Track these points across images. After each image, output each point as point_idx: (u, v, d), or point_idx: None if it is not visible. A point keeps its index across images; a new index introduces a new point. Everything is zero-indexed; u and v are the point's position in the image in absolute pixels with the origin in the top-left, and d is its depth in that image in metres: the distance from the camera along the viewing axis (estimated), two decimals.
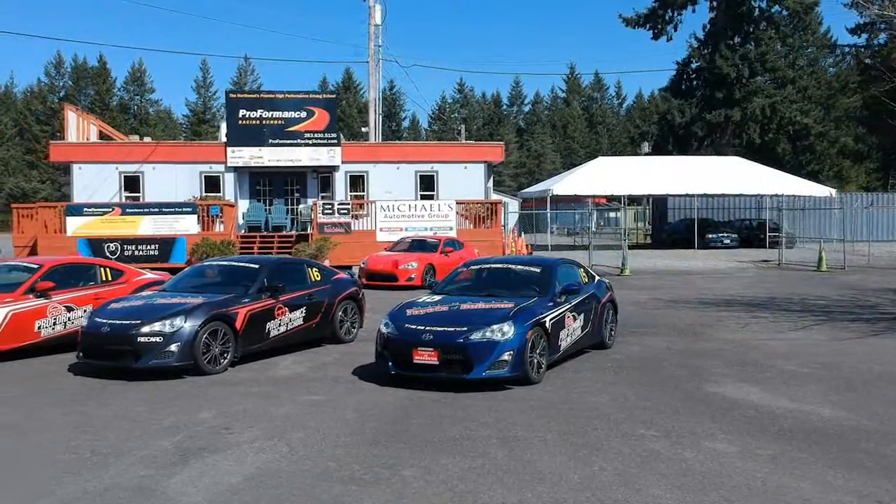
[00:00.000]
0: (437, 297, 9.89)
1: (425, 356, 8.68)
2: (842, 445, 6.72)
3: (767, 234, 36.84)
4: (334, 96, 29.23)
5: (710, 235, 36.79)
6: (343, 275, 12.67)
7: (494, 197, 31.61)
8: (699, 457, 6.42)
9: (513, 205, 37.27)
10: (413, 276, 20.42)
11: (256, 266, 11.18)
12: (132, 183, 28.51)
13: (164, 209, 25.55)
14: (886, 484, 5.78)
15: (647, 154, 61.04)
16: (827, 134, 59.04)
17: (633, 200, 59.45)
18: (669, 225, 42.14)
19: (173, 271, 14.38)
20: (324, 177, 29.60)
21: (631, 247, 35.24)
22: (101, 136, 32.77)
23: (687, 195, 37.45)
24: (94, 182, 27.94)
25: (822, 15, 66.20)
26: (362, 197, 28.89)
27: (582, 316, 10.28)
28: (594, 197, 41.85)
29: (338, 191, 29.23)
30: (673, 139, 58.30)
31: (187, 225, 25.42)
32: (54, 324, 11.29)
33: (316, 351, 11.56)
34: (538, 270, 10.30)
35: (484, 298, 9.55)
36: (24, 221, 26.59)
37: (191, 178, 28.46)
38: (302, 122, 28.51)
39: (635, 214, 67.85)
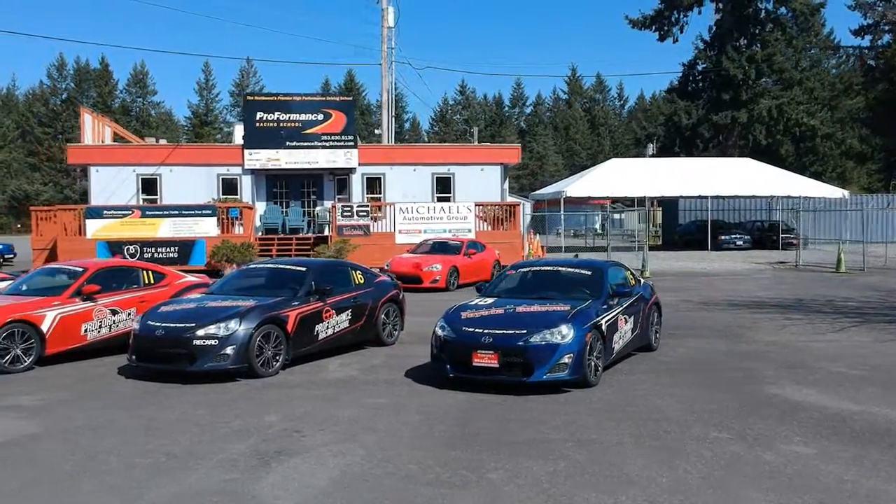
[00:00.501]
0: (489, 300, 9.89)
1: (485, 359, 8.68)
2: None
3: (780, 235, 36.90)
4: (351, 98, 29.24)
5: (722, 237, 36.81)
6: (384, 277, 12.69)
7: (510, 199, 31.61)
8: (780, 459, 6.42)
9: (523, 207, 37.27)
10: (437, 278, 20.42)
11: (303, 269, 11.18)
12: (149, 185, 28.51)
13: (183, 211, 25.54)
14: None
15: (652, 156, 61.12)
16: (834, 135, 59.10)
17: (637, 202, 59.51)
18: (681, 226, 42.17)
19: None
20: (340, 179, 29.59)
21: (640, 248, 35.30)
22: (115, 137, 32.78)
23: (700, 197, 37.50)
24: (111, 184, 27.92)
25: (825, 16, 66.48)
26: (379, 199, 28.89)
27: (632, 318, 10.29)
28: (609, 199, 41.83)
29: (355, 193, 29.23)
30: (680, 140, 58.39)
31: (207, 227, 25.42)
32: (100, 327, 11.29)
33: (361, 353, 11.56)
34: (589, 273, 10.31)
35: (537, 301, 9.55)
36: (42, 224, 26.58)
37: (208, 181, 28.46)
38: (319, 124, 28.51)
39: (639, 216, 67.91)
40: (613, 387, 9.07)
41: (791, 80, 55.10)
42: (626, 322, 10.08)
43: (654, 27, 57.71)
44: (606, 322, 9.37)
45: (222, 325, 9.56)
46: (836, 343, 12.20)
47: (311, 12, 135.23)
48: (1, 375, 10.07)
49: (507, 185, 30.88)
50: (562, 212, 35.03)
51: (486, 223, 27.33)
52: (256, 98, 28.92)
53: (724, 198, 39.30)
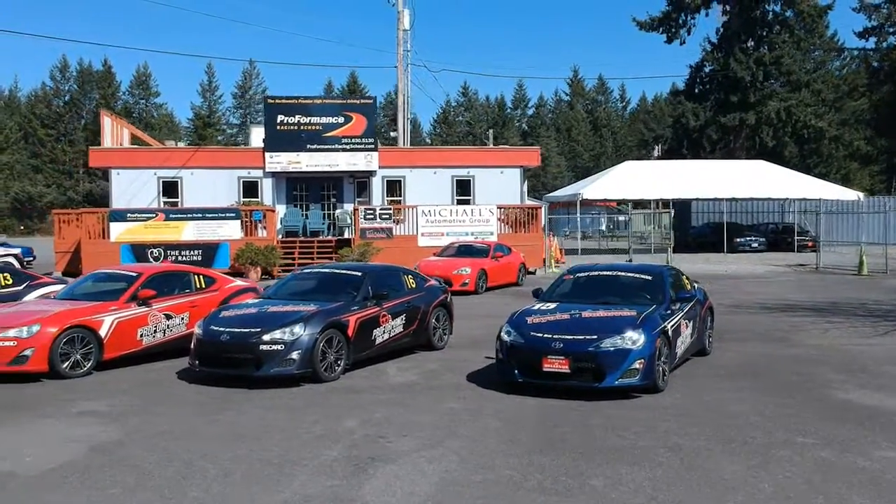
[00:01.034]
0: (551, 305, 9.92)
1: (556, 364, 8.72)
2: None
3: (795, 237, 36.98)
4: (372, 101, 29.22)
5: (737, 239, 36.84)
6: (434, 282, 12.72)
7: (529, 202, 31.67)
8: (876, 465, 6.46)
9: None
10: (467, 281, 20.45)
11: (360, 274, 11.22)
12: (170, 188, 28.53)
13: (207, 214, 25.56)
14: None
15: (657, 158, 61.21)
16: (842, 137, 59.20)
17: (639, 204, 59.64)
18: (694, 228, 42.23)
19: None
20: (360, 181, 29.63)
21: (656, 250, 35.40)
22: (133, 140, 32.81)
23: (716, 199, 37.55)
24: (132, 187, 27.95)
25: (829, 18, 66.62)
26: (399, 202, 28.93)
27: (691, 323, 10.34)
28: (624, 201, 41.88)
29: (375, 196, 29.26)
30: (687, 142, 58.48)
31: (231, 230, 25.45)
32: (155, 332, 11.32)
33: (413, 358, 11.58)
34: (649, 277, 10.35)
35: (602, 306, 9.59)
36: (64, 227, 26.62)
37: (229, 184, 28.49)
38: (339, 127, 28.55)
39: (644, 218, 67.95)
40: (681, 391, 9.10)
41: (799, 82, 55.20)
42: (687, 327, 10.12)
43: (661, 29, 57.81)
44: (671, 327, 9.42)
45: (287, 329, 9.59)
46: (885, 346, 12.25)
47: (312, 12, 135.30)
48: (62, 380, 10.10)
49: (525, 188, 30.90)
50: (578, 214, 35.13)
51: (507, 226, 27.37)
52: (277, 101, 28.89)
53: (740, 200, 39.30)
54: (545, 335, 8.97)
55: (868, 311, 16.69)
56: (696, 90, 58.62)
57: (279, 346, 9.48)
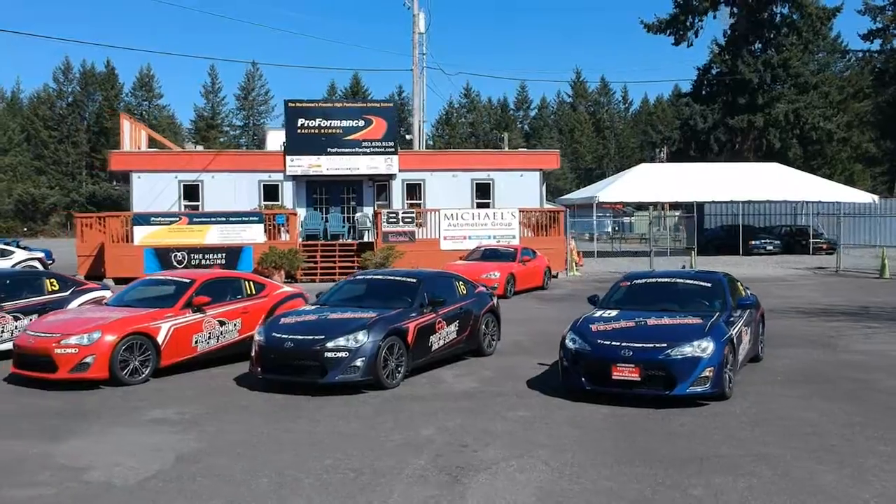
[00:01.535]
0: (612, 312, 9.94)
1: (625, 372, 8.74)
2: None
3: (811, 240, 37.04)
4: (392, 105, 29.26)
5: (752, 242, 36.92)
6: (482, 288, 12.74)
7: (548, 205, 31.71)
8: None
9: None
10: (496, 285, 20.44)
11: (415, 280, 11.25)
12: (191, 191, 28.55)
13: (230, 218, 25.59)
14: None
15: (662, 160, 61.31)
16: (851, 139, 59.27)
17: (641, 206, 59.78)
18: (708, 231, 42.28)
19: None
20: (379, 185, 29.66)
21: (672, 253, 35.44)
22: (150, 143, 32.83)
23: (732, 201, 37.60)
24: (153, 190, 27.97)
25: (834, 20, 66.63)
26: (419, 205, 28.96)
27: (749, 329, 10.37)
28: (641, 204, 41.97)
29: (395, 199, 29.31)
30: (695, 144, 58.56)
31: (254, 234, 25.48)
32: (209, 338, 11.34)
33: (466, 364, 11.60)
34: (708, 285, 10.39)
35: (667, 314, 9.62)
36: (86, 231, 26.63)
37: (249, 187, 28.53)
38: (360, 130, 28.59)
39: (650, 220, 67.98)
40: (748, 399, 9.13)
41: (807, 84, 55.29)
42: (746, 333, 10.15)
43: (668, 31, 57.95)
44: (735, 334, 9.45)
45: (351, 337, 9.61)
46: None
47: (316, 12, 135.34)
48: (122, 388, 10.12)
49: (544, 191, 30.95)
50: (594, 217, 35.20)
51: (527, 229, 27.41)
52: (298, 104, 28.91)
53: (752, 203, 39.37)
54: (613, 343, 8.99)
55: None
56: (704, 92, 58.72)
57: (343, 354, 9.51)
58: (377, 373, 9.65)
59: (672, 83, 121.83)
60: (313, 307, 10.99)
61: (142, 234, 25.08)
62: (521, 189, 29.34)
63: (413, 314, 10.49)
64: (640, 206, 60.42)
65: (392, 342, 9.90)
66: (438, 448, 7.41)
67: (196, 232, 25.26)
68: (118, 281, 22.62)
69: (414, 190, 29.61)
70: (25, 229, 79.26)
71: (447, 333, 11.12)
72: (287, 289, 12.92)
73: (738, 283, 11.23)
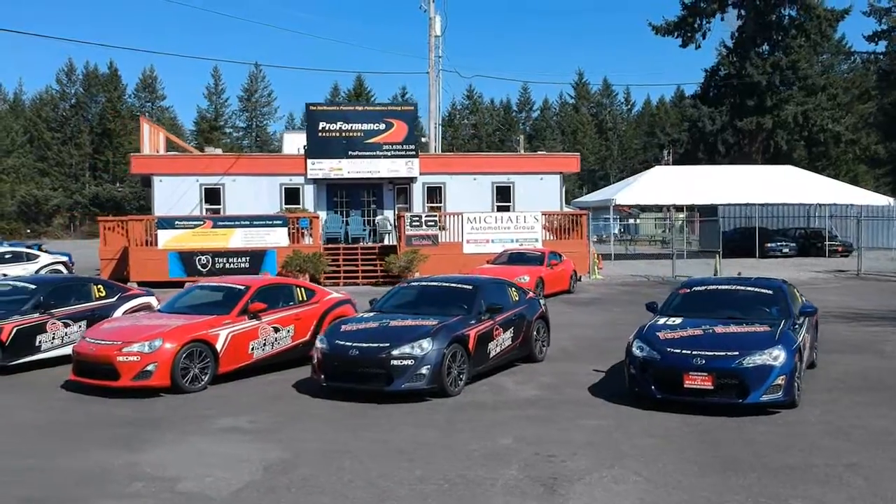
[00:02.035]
0: (677, 320, 9.93)
1: (698, 381, 8.75)
2: None
3: (827, 243, 37.06)
4: (413, 108, 29.25)
5: (768, 244, 36.94)
6: (532, 295, 12.74)
7: (567, 208, 31.71)
8: None
9: None
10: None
11: (471, 287, 11.25)
12: (212, 195, 28.53)
13: (255, 222, 25.58)
14: None
15: (667, 162, 61.30)
16: (859, 141, 59.35)
17: (644, 209, 59.85)
18: (723, 234, 42.24)
19: None
20: (399, 188, 29.66)
21: (688, 255, 35.48)
22: (168, 146, 32.83)
23: (748, 204, 37.61)
24: (174, 194, 27.94)
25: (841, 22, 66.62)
26: (439, 208, 28.95)
27: (809, 336, 10.38)
28: (659, 206, 42.01)
29: (415, 202, 29.30)
30: (703, 146, 58.61)
31: (278, 238, 25.46)
32: (264, 345, 11.34)
33: (522, 371, 11.59)
34: (770, 292, 10.40)
35: (733, 322, 9.62)
36: (108, 234, 26.60)
37: (270, 190, 28.53)
38: (381, 133, 28.59)
39: (655, 222, 68.02)
40: (817, 406, 9.14)
41: (815, 86, 55.34)
42: (807, 340, 10.16)
43: (676, 33, 58.06)
44: (801, 342, 9.46)
45: (416, 344, 9.61)
46: None
47: (318, 12, 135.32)
48: (183, 395, 10.11)
49: (564, 194, 30.96)
50: (611, 219, 35.20)
51: (549, 232, 27.40)
52: (319, 108, 28.92)
53: (768, 205, 39.41)
54: (684, 351, 8.99)
55: None
56: (711, 94, 58.78)
57: (409, 361, 9.50)
58: (442, 381, 9.65)
59: (676, 84, 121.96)
60: (371, 314, 10.97)
61: (166, 238, 25.05)
62: (541, 192, 29.32)
63: (472, 321, 10.48)
64: (645, 209, 60.59)
65: (455, 349, 9.90)
66: (524, 458, 7.41)
67: (220, 236, 25.24)
68: (142, 285, 22.57)
69: (434, 193, 29.60)
70: (28, 231, 79.17)
71: (503, 340, 11.12)
72: (336, 295, 12.92)
73: (796, 290, 11.23)
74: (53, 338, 12.11)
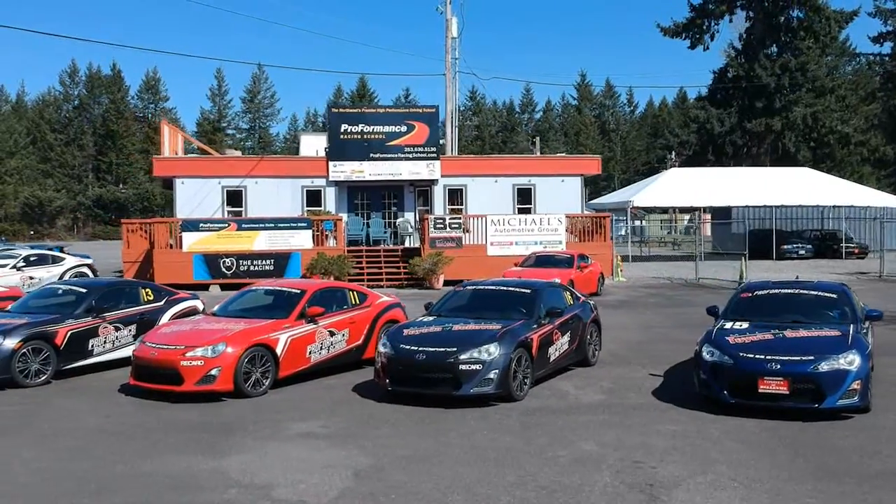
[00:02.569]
0: (743, 324, 9.91)
1: (773, 385, 8.73)
2: None
3: (843, 244, 37.09)
4: (434, 110, 29.24)
5: (784, 246, 36.98)
6: (584, 299, 12.72)
7: (586, 210, 31.71)
8: None
9: None
10: None
11: (530, 291, 11.23)
12: (234, 197, 28.52)
13: (279, 224, 25.56)
14: None
15: (673, 164, 61.39)
16: (867, 142, 59.42)
17: (647, 210, 59.84)
18: (738, 236, 42.30)
19: None
20: (420, 190, 29.65)
21: (706, 256, 35.46)
22: (187, 148, 32.80)
23: (765, 206, 37.64)
24: (196, 196, 27.92)
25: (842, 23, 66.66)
26: (460, 210, 28.95)
27: (873, 340, 10.36)
28: (675, 208, 42.04)
29: (436, 204, 29.29)
30: (712, 148, 58.63)
31: (302, 240, 25.44)
32: (321, 349, 11.32)
33: (577, 375, 11.56)
34: (834, 296, 10.40)
35: (802, 326, 9.61)
36: (131, 237, 26.57)
37: (293, 193, 28.52)
38: (402, 136, 28.59)
39: (661, 224, 68.07)
40: (891, 412, 9.12)
41: (824, 87, 55.38)
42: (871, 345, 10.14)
43: (684, 35, 58.13)
44: (872, 346, 9.45)
45: (483, 349, 9.59)
46: None
47: (320, 12, 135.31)
48: (246, 400, 10.09)
49: (585, 196, 30.95)
50: (628, 221, 35.20)
51: (572, 235, 27.40)
52: (341, 110, 29.02)
53: (781, 207, 39.46)
54: (757, 356, 8.97)
55: None
56: (719, 96, 58.82)
57: (477, 366, 9.48)
58: (508, 385, 9.63)
59: (680, 85, 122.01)
60: (431, 318, 10.94)
61: (190, 241, 25.03)
62: (562, 194, 29.32)
63: (534, 325, 10.47)
64: (650, 210, 60.56)
65: (520, 354, 9.89)
66: (612, 464, 7.39)
67: (245, 238, 25.22)
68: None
69: (455, 195, 29.60)
70: (32, 232, 79.12)
71: (562, 344, 11.11)
72: (386, 298, 12.90)
73: (854, 293, 11.22)
74: (105, 342, 12.09)
